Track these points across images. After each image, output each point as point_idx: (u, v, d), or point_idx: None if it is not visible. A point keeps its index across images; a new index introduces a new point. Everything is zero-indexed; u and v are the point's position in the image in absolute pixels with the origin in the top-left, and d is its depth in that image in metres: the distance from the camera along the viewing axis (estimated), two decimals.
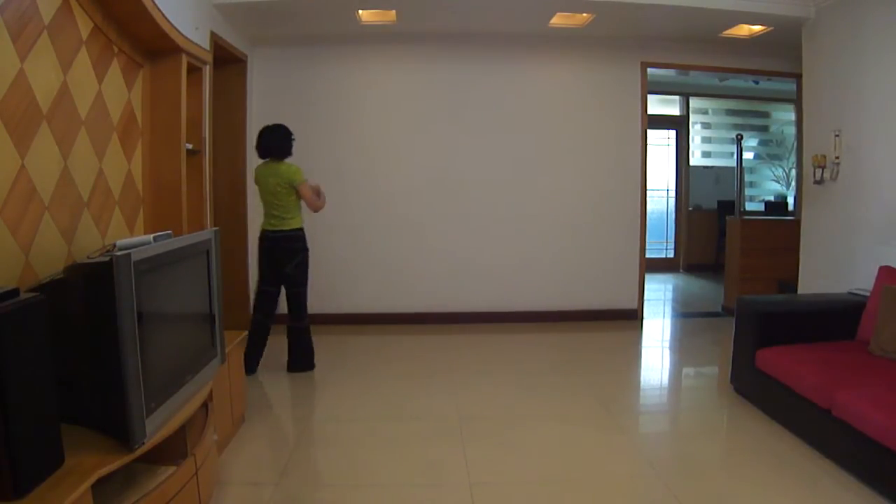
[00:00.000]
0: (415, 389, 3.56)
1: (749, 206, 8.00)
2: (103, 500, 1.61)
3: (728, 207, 6.96)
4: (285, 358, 3.91)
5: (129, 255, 1.61)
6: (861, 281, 3.44)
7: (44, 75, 2.03)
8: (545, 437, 2.89)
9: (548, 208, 5.12)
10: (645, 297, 5.32)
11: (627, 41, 4.99)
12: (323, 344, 3.99)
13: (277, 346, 4.15)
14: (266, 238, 3.73)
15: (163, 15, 2.60)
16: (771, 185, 8.43)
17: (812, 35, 4.12)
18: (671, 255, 8.28)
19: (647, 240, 5.29)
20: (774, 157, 8.36)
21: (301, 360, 3.85)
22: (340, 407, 3.44)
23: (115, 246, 1.81)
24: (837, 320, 3.20)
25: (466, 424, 3.00)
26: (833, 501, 2.26)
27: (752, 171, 8.48)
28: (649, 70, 5.12)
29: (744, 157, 7.38)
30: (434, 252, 5.08)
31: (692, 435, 3.01)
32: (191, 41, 2.99)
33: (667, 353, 4.64)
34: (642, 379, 4.02)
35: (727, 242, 5.70)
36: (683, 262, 8.09)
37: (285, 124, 3.73)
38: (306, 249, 3.77)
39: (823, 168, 3.93)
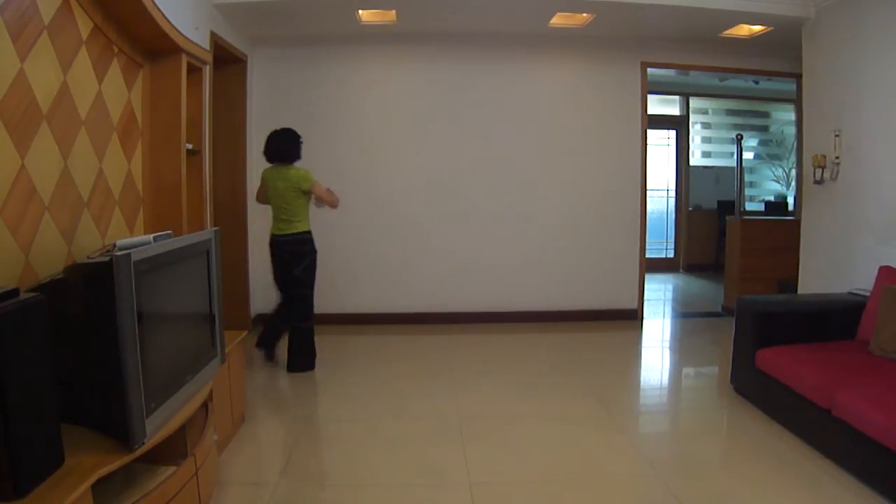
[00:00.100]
0: (415, 389, 3.56)
1: (749, 206, 8.00)
2: (103, 500, 1.61)
3: (728, 207, 6.96)
4: (283, 359, 3.91)
5: (129, 255, 1.61)
6: (861, 281, 3.43)
7: (44, 75, 2.03)
8: (545, 437, 2.89)
9: (548, 208, 5.12)
10: (645, 297, 5.32)
11: (627, 41, 4.99)
12: (323, 344, 3.99)
13: (279, 345, 4.16)
14: (274, 243, 3.76)
15: (163, 15, 2.60)
16: (771, 185, 8.43)
17: (812, 35, 4.12)
18: (671, 255, 8.28)
19: (647, 240, 5.29)
20: (774, 157, 8.36)
21: (301, 360, 3.85)
22: (340, 407, 3.44)
23: (115, 246, 1.81)
24: (837, 320, 3.20)
25: (466, 424, 3.00)
26: (833, 501, 2.26)
27: (752, 171, 8.48)
28: (649, 70, 5.12)
29: (744, 157, 7.38)
30: (434, 252, 5.08)
31: (692, 435, 3.01)
32: (191, 41, 2.99)
33: (667, 353, 4.64)
34: (642, 379, 4.02)
35: (727, 242, 5.70)
36: (683, 262, 8.09)
37: (293, 128, 3.76)
38: (314, 252, 3.78)
39: (823, 168, 3.93)
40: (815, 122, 4.10)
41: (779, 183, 8.31)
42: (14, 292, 1.43)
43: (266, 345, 4.00)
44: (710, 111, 8.29)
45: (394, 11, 4.33)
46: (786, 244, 4.81)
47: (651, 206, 5.68)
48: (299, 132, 3.81)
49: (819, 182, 3.99)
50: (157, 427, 1.75)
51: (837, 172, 3.84)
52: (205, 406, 2.29)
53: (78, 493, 1.42)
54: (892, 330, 2.81)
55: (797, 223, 4.39)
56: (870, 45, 3.56)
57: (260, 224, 4.76)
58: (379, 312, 5.06)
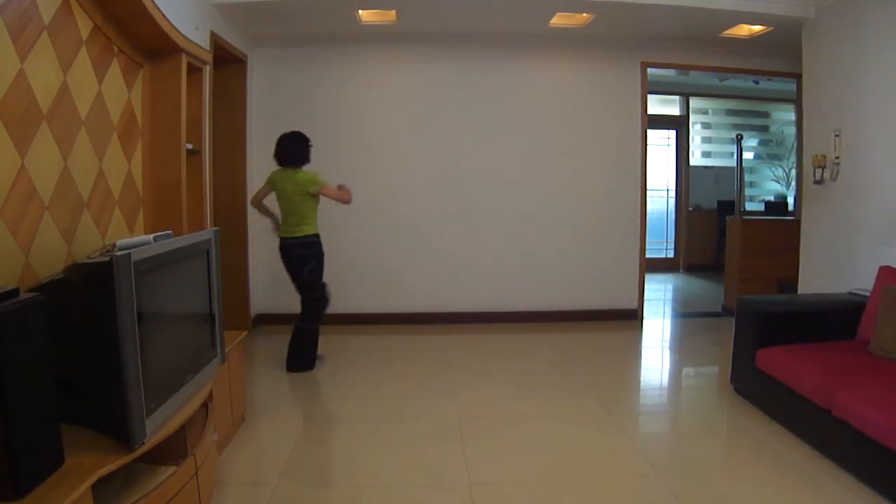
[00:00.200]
0: (415, 389, 3.56)
1: (749, 206, 8.00)
2: (103, 500, 1.61)
3: (728, 207, 6.96)
4: (283, 360, 3.91)
5: (129, 255, 1.61)
6: (861, 281, 3.43)
7: (44, 75, 2.03)
8: (545, 437, 2.89)
9: (548, 208, 5.12)
10: (645, 297, 5.32)
11: (627, 41, 4.99)
12: (324, 344, 3.99)
13: (279, 345, 4.16)
14: (283, 246, 3.78)
15: (163, 15, 2.60)
16: (771, 185, 8.43)
17: (812, 35, 4.12)
18: (671, 255, 8.28)
19: (647, 240, 5.29)
20: (774, 157, 8.36)
21: (301, 360, 3.85)
22: (340, 407, 3.44)
23: (115, 246, 1.81)
24: (837, 320, 3.20)
25: (466, 424, 3.00)
26: (833, 501, 2.27)
27: (752, 171, 8.47)
28: (649, 70, 5.12)
29: (744, 157, 7.38)
30: (434, 252, 5.08)
31: (692, 435, 3.01)
32: (191, 41, 2.99)
33: (667, 353, 4.64)
34: (642, 379, 4.02)
35: (727, 242, 5.70)
36: (683, 262, 8.09)
37: (301, 131, 3.77)
38: (321, 255, 3.80)
39: (823, 168, 3.93)
40: (815, 122, 4.10)
41: (779, 183, 8.31)
42: (14, 292, 1.43)
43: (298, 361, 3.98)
44: (710, 111, 8.29)
45: (394, 11, 4.33)
46: (786, 244, 4.81)
47: (651, 206, 5.69)
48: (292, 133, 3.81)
49: (819, 182, 3.99)
50: (157, 427, 1.75)
51: (837, 172, 3.84)
52: (205, 406, 2.29)
53: (78, 493, 1.42)
54: (892, 330, 2.81)
55: (797, 223, 4.39)
56: (870, 45, 3.56)
57: (260, 224, 4.77)
58: (379, 312, 5.06)
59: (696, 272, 7.85)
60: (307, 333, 3.85)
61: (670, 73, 6.63)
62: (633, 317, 5.23)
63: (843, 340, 3.12)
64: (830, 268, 3.89)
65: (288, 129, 3.91)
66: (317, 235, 3.78)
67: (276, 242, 3.88)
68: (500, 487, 2.40)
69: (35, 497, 1.39)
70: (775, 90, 7.20)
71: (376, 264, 5.05)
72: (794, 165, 6.67)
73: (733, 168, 7.35)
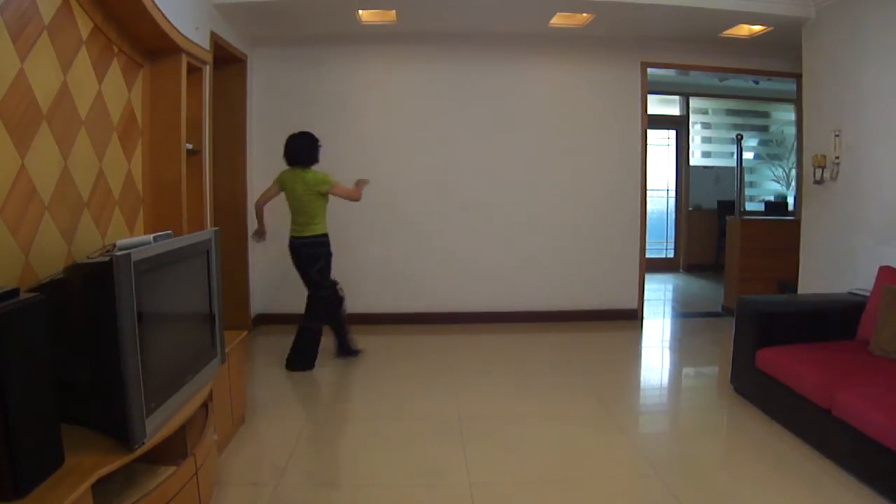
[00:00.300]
0: (415, 389, 3.56)
1: (749, 206, 8.00)
2: (103, 500, 1.61)
3: (728, 207, 6.96)
4: (283, 360, 3.91)
5: (129, 255, 1.61)
6: (861, 281, 3.43)
7: (44, 75, 2.03)
8: (545, 437, 2.89)
9: (548, 208, 5.12)
10: (645, 297, 5.32)
11: (627, 41, 4.99)
12: (323, 344, 3.98)
13: (279, 345, 4.16)
14: (292, 245, 3.81)
15: (163, 15, 2.60)
16: (771, 185, 8.43)
17: (812, 35, 4.12)
18: (671, 255, 8.28)
19: (647, 240, 5.29)
20: (774, 157, 8.36)
21: (302, 360, 3.85)
22: (340, 407, 3.45)
23: (115, 246, 1.81)
24: (837, 320, 3.20)
25: (466, 424, 3.00)
26: (833, 501, 2.27)
27: (752, 171, 8.48)
28: (649, 70, 5.12)
29: (744, 157, 7.38)
30: (434, 252, 5.08)
31: (692, 435, 3.01)
32: (191, 41, 2.99)
33: (667, 353, 4.64)
34: (642, 379, 4.02)
35: (727, 242, 5.70)
36: (683, 262, 8.09)
37: (311, 131, 3.81)
38: (329, 255, 3.83)
39: (823, 168, 3.93)
40: (815, 122, 4.10)
41: (779, 183, 8.31)
42: (14, 292, 1.43)
43: (343, 349, 4.07)
44: (710, 111, 8.30)
45: (394, 11, 4.33)
46: (786, 244, 4.81)
47: (651, 206, 5.68)
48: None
49: (819, 182, 3.99)
50: (157, 427, 1.75)
51: (837, 172, 3.84)
52: (205, 406, 2.29)
53: (78, 493, 1.42)
54: (892, 330, 2.81)
55: (797, 223, 4.39)
56: (870, 45, 3.56)
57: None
58: (379, 312, 5.06)
59: (696, 272, 7.85)
60: (310, 332, 3.86)
61: (670, 73, 6.63)
62: (633, 317, 5.23)
63: (843, 340, 3.12)
64: (830, 268, 3.89)
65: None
66: (326, 235, 3.82)
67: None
68: (500, 487, 2.40)
69: (35, 497, 1.38)
70: (775, 90, 7.20)
71: (376, 264, 5.05)
72: (794, 165, 6.67)
73: (733, 168, 7.35)
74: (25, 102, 1.93)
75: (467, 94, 5.00)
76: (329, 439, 2.99)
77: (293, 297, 4.93)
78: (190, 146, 3.14)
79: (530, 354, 4.32)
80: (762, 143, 8.44)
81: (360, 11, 4.32)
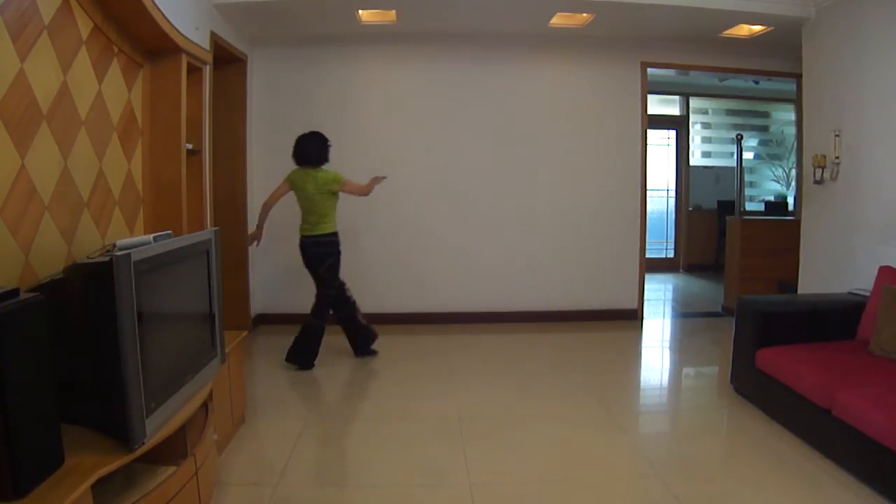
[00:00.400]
0: (415, 389, 3.56)
1: (749, 206, 8.00)
2: (103, 500, 1.61)
3: (728, 207, 6.96)
4: (283, 360, 3.91)
5: (129, 255, 1.61)
6: (861, 281, 3.43)
7: (44, 75, 2.03)
8: (545, 437, 2.89)
9: (548, 208, 5.12)
10: (645, 297, 5.32)
11: (627, 41, 4.99)
12: (323, 344, 3.98)
13: (279, 345, 4.16)
14: (302, 244, 3.84)
15: (163, 15, 2.60)
16: (771, 185, 8.43)
17: (812, 35, 4.12)
18: (671, 255, 8.28)
19: (647, 240, 5.29)
20: (774, 157, 8.36)
21: (301, 357, 3.86)
22: (340, 407, 3.45)
23: (115, 246, 1.81)
24: (837, 320, 3.20)
25: (466, 424, 3.00)
26: (833, 501, 2.27)
27: (752, 171, 8.47)
28: (649, 70, 5.12)
29: (744, 157, 7.38)
30: (434, 252, 5.08)
31: (692, 435, 3.01)
32: (191, 41, 2.99)
33: (667, 353, 4.64)
34: (642, 379, 4.02)
35: (727, 242, 5.70)
36: (683, 262, 8.09)
37: (321, 131, 3.85)
38: (338, 253, 3.87)
39: (823, 168, 3.93)
40: (815, 122, 4.10)
41: (779, 183, 8.31)
42: (14, 292, 1.43)
43: (359, 348, 4.08)
44: (710, 111, 8.29)
45: (394, 11, 4.33)
46: (786, 244, 4.80)
47: (651, 206, 5.68)
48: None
49: (819, 182, 3.99)
50: (157, 427, 1.75)
51: (837, 172, 3.84)
52: (205, 406, 2.29)
53: (78, 493, 1.42)
54: (892, 330, 2.81)
55: (797, 223, 4.39)
56: (870, 45, 3.56)
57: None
58: (378, 312, 5.04)
59: (696, 272, 7.85)
60: (315, 330, 3.87)
61: (670, 73, 6.63)
62: (633, 317, 5.23)
63: (843, 340, 3.12)
64: (830, 268, 3.89)
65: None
66: (336, 234, 3.85)
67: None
68: (500, 487, 2.40)
69: (35, 497, 1.39)
70: (775, 90, 7.20)
71: (376, 264, 5.05)
72: (794, 165, 6.67)
73: (733, 168, 7.35)
74: (25, 102, 1.93)
75: (467, 94, 5.00)
76: (329, 439, 2.99)
77: (293, 297, 4.95)
78: (190, 146, 3.14)
79: (530, 354, 4.32)
80: (762, 143, 8.44)
81: (360, 11, 4.32)
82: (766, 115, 8.34)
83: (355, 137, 4.97)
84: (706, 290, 6.74)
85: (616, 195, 5.15)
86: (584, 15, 4.41)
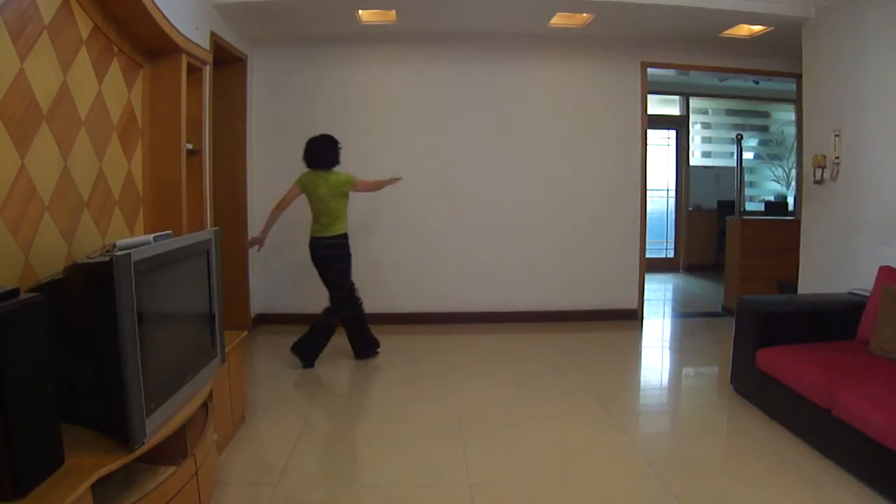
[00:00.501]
0: (415, 389, 3.56)
1: (749, 206, 8.00)
2: (103, 500, 1.61)
3: (728, 207, 6.96)
4: (283, 360, 3.92)
5: (129, 255, 1.61)
6: (861, 281, 3.43)
7: (44, 75, 2.03)
8: (545, 437, 2.89)
9: (548, 208, 5.12)
10: (645, 297, 5.32)
11: (627, 41, 4.99)
12: (331, 345, 3.98)
13: (279, 345, 4.16)
14: (312, 245, 3.87)
15: (163, 15, 2.60)
16: (771, 185, 8.43)
17: (812, 35, 4.12)
18: (671, 255, 8.28)
19: (647, 240, 5.29)
20: (774, 157, 8.36)
21: (306, 352, 3.88)
22: (340, 407, 3.45)
23: (115, 246, 1.81)
24: (837, 320, 3.20)
25: (466, 424, 3.00)
26: (833, 501, 2.27)
27: (752, 171, 8.47)
28: (649, 70, 5.12)
29: (744, 157, 7.38)
30: (434, 252, 5.08)
31: (692, 435, 3.01)
32: (191, 41, 2.99)
33: (667, 353, 4.64)
34: (642, 379, 4.02)
35: (727, 242, 5.70)
36: (683, 262, 8.09)
37: (315, 131, 3.87)
38: (348, 255, 3.90)
39: (823, 168, 3.93)
40: (815, 122, 4.10)
41: (779, 183, 8.31)
42: (14, 292, 1.43)
43: (360, 349, 4.08)
44: (710, 111, 8.29)
45: (394, 11, 4.33)
46: (786, 244, 4.81)
47: (651, 206, 5.68)
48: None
49: (819, 182, 3.99)
50: (157, 427, 1.75)
51: (837, 172, 3.84)
52: (205, 406, 2.29)
53: (78, 493, 1.42)
54: (892, 330, 2.81)
55: (797, 223, 4.39)
56: (870, 45, 3.56)
57: (260, 224, 4.76)
58: (378, 312, 5.05)
59: (696, 272, 7.85)
60: (326, 328, 3.89)
61: (670, 73, 6.63)
62: (633, 317, 5.23)
63: (843, 340, 3.12)
64: (830, 268, 3.89)
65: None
66: (346, 235, 3.88)
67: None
68: (500, 487, 2.40)
69: (35, 497, 1.39)
70: (775, 90, 7.20)
71: (376, 264, 5.04)
72: (794, 165, 6.67)
73: (733, 168, 7.35)
74: (25, 102, 1.93)
75: (467, 93, 5.00)
76: (329, 439, 2.99)
77: (293, 297, 4.96)
78: (190, 146, 3.14)
79: (530, 354, 4.32)
80: (762, 143, 8.44)
81: (360, 11, 4.32)
82: (766, 115, 8.34)
83: (355, 137, 4.95)
84: (706, 290, 6.74)
85: (616, 195, 5.15)
86: (584, 15, 4.41)
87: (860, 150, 3.66)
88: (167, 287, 1.95)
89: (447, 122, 5.01)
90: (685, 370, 4.25)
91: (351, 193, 3.88)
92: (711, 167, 8.21)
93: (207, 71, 3.36)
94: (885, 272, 3.10)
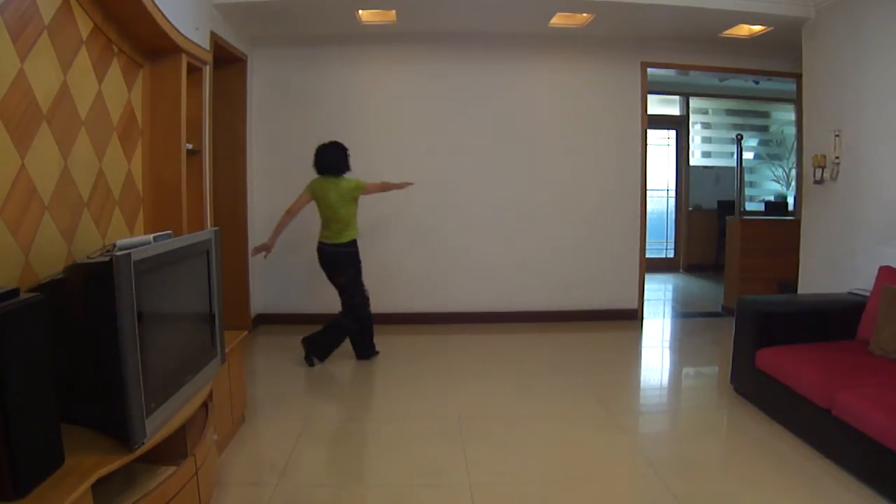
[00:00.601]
0: (415, 389, 3.56)
1: (749, 206, 8.00)
2: (103, 500, 1.61)
3: (728, 207, 6.96)
4: (283, 360, 3.92)
5: (129, 255, 1.61)
6: (861, 281, 3.43)
7: (44, 75, 2.03)
8: (545, 437, 2.89)
9: (547, 208, 5.12)
10: (645, 297, 5.32)
11: (627, 41, 4.99)
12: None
13: (279, 345, 4.17)
14: (321, 250, 3.88)
15: (163, 15, 2.60)
16: (771, 185, 8.43)
17: (812, 35, 4.12)
18: (671, 255, 8.28)
19: (647, 240, 5.29)
20: (774, 157, 8.36)
21: (317, 345, 3.90)
22: (340, 407, 3.45)
23: (115, 246, 1.81)
24: (837, 320, 3.20)
25: (466, 424, 3.00)
26: (833, 501, 2.27)
27: (752, 171, 8.47)
28: (649, 70, 5.12)
29: (744, 157, 7.37)
30: (434, 252, 5.07)
31: (692, 435, 3.01)
32: (191, 41, 2.99)
33: (667, 353, 4.64)
34: (642, 379, 4.02)
35: (727, 242, 5.70)
36: (683, 262, 8.09)
37: (322, 131, 3.93)
38: (358, 263, 3.92)
39: (823, 168, 3.93)
40: (815, 122, 4.10)
41: (779, 183, 8.31)
42: (14, 292, 1.43)
43: (362, 350, 4.08)
44: (710, 111, 8.29)
45: (394, 11, 4.33)
46: (786, 244, 4.80)
47: (651, 206, 5.68)
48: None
49: (819, 182, 3.99)
50: (157, 427, 1.75)
51: (837, 172, 3.84)
52: (205, 406, 2.29)
53: (78, 493, 1.42)
54: (892, 330, 2.81)
55: (797, 223, 4.38)
56: (870, 45, 3.56)
57: (260, 224, 4.77)
58: (378, 313, 5.03)
59: (696, 272, 7.85)
60: (341, 328, 3.91)
61: (670, 73, 6.62)
62: (633, 317, 5.23)
63: (843, 340, 3.12)
64: (830, 268, 3.89)
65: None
66: (355, 242, 3.91)
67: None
68: (500, 487, 2.40)
69: (35, 497, 1.39)
70: (775, 90, 7.19)
71: (375, 264, 5.03)
72: (794, 165, 6.67)
73: (733, 168, 7.34)
74: (25, 102, 1.93)
75: (467, 93, 5.00)
76: (329, 439, 2.99)
77: (293, 297, 4.96)
78: (190, 146, 3.14)
79: (530, 354, 4.32)
80: (762, 143, 8.44)
81: (360, 11, 4.32)
82: (766, 115, 8.34)
83: (355, 137, 4.93)
84: (706, 290, 6.74)
85: (616, 195, 5.15)
86: (584, 15, 4.41)
87: (860, 150, 3.66)
88: (167, 287, 1.95)
89: (447, 122, 5.01)
90: (685, 370, 4.25)
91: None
92: (711, 167, 8.21)
93: (207, 71, 3.36)
94: (885, 272, 3.10)
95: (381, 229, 5.03)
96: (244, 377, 3.07)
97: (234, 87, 4.60)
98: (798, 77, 4.63)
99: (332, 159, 3.81)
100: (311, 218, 3.95)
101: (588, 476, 2.51)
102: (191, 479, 1.93)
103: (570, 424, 3.04)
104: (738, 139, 5.89)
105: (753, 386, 3.21)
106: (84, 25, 2.28)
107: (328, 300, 4.58)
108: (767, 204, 7.87)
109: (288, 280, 4.93)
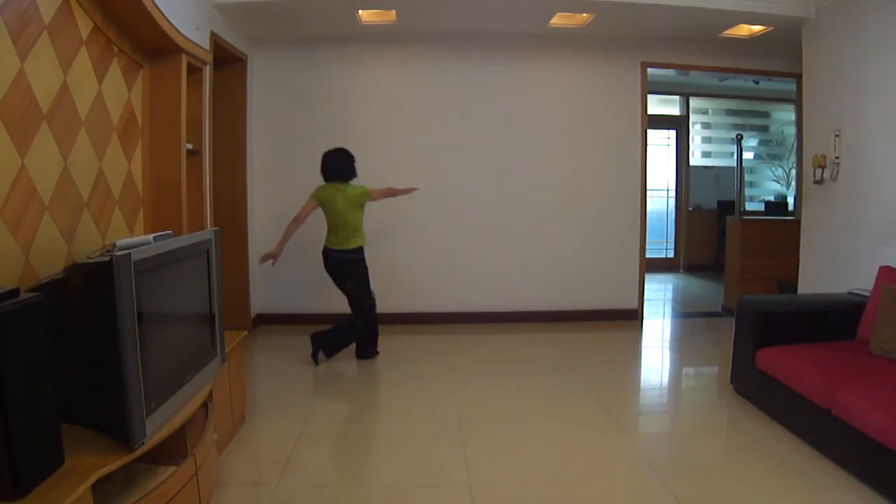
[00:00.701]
0: (415, 389, 3.56)
1: (749, 206, 8.00)
2: (103, 500, 1.61)
3: (728, 207, 6.96)
4: (283, 360, 3.92)
5: (129, 255, 1.61)
6: (861, 281, 3.43)
7: (44, 75, 2.03)
8: (545, 437, 2.89)
9: (547, 208, 5.12)
10: (645, 297, 5.32)
11: (627, 41, 4.99)
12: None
13: (279, 345, 4.17)
14: (327, 255, 3.88)
15: (163, 15, 2.60)
16: (771, 185, 8.43)
17: (812, 35, 4.12)
18: (671, 255, 8.28)
19: (647, 240, 5.29)
20: (774, 157, 8.36)
21: (326, 342, 3.91)
22: (340, 407, 3.45)
23: (115, 246, 1.81)
24: (837, 320, 3.20)
25: (466, 424, 3.00)
26: (833, 501, 2.27)
27: (752, 171, 8.47)
28: (649, 70, 5.12)
29: (744, 157, 7.37)
30: (434, 252, 5.07)
31: (692, 435, 3.01)
32: (191, 41, 2.99)
33: (667, 353, 4.64)
34: (642, 379, 4.02)
35: (727, 242, 5.70)
36: (683, 262, 8.09)
37: (346, 148, 3.93)
38: (364, 269, 3.92)
39: (823, 168, 3.93)
40: (815, 122, 4.10)
41: (779, 183, 8.31)
42: (14, 292, 1.43)
43: (362, 350, 4.08)
44: (710, 111, 8.29)
45: (394, 11, 4.33)
46: (786, 244, 4.80)
47: (651, 206, 5.68)
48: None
49: (819, 182, 3.99)
50: (157, 427, 1.75)
51: (837, 172, 3.84)
52: (205, 406, 2.29)
53: (78, 493, 1.42)
54: (892, 330, 2.81)
55: (797, 223, 4.39)
56: (870, 45, 3.56)
57: (260, 224, 4.78)
58: (378, 313, 5.04)
59: (696, 272, 7.85)
60: (352, 329, 3.92)
61: (670, 73, 6.62)
62: (633, 317, 5.23)
63: (843, 340, 3.12)
64: (830, 268, 3.89)
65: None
66: (362, 248, 3.91)
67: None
68: (500, 487, 2.40)
69: (35, 497, 1.39)
70: (775, 90, 7.19)
71: (376, 264, 5.02)
72: (794, 165, 6.67)
73: (733, 168, 7.34)
74: (25, 102, 1.93)
75: (467, 93, 5.00)
76: (329, 439, 2.99)
77: (293, 297, 4.96)
78: (190, 146, 3.14)
79: (530, 354, 4.32)
80: (762, 143, 8.44)
81: (360, 11, 4.32)
82: (766, 115, 8.34)
83: (355, 137, 4.94)
84: (706, 290, 6.74)
85: (616, 195, 5.15)
86: (584, 15, 4.41)
87: (860, 150, 3.66)
88: (167, 287, 1.95)
89: (447, 122, 5.01)
90: (685, 370, 4.25)
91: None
92: (711, 167, 8.21)
93: (207, 71, 3.37)
94: (885, 272, 3.10)
95: (381, 230, 5.03)
96: (244, 377, 3.07)
97: (234, 87, 4.60)
98: (798, 77, 4.63)
99: (339, 166, 3.83)
100: (310, 219, 3.94)
101: (588, 476, 2.51)
102: (191, 479, 1.93)
103: (570, 424, 3.04)
104: (738, 139, 5.89)
105: (753, 386, 3.21)
106: (84, 25, 2.28)
107: (328, 300, 4.59)
108: (767, 204, 7.87)
109: (288, 280, 4.93)
